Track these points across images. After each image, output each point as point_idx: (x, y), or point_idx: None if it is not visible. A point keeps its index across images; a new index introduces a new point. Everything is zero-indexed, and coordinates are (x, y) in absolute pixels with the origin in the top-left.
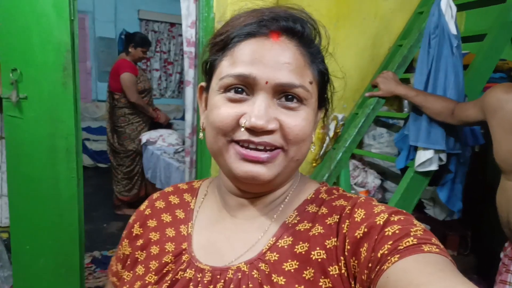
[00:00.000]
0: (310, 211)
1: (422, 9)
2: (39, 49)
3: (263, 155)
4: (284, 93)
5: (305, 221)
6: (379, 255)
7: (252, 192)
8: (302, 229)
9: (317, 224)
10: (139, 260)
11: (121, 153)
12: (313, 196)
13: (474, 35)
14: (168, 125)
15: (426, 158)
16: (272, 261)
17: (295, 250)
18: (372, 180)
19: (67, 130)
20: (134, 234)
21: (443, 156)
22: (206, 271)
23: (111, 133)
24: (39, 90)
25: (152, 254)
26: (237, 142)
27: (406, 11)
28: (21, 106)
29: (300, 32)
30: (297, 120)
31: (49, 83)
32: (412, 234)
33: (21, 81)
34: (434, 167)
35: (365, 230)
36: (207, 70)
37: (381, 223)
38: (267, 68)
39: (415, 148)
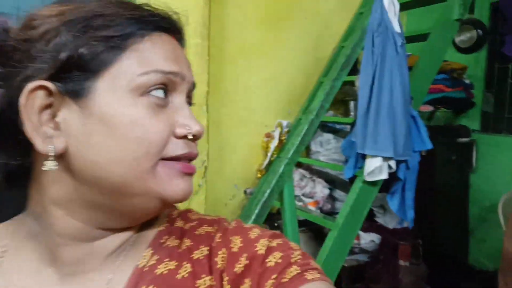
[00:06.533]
0: (170, 245)
1: (363, 9)
2: None
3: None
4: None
5: (167, 260)
6: None
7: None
8: (165, 272)
9: (184, 263)
10: None
11: None
12: (168, 224)
13: (416, 35)
14: None
15: (375, 167)
16: None
17: None
18: (321, 190)
19: None
20: None
21: (392, 163)
22: None
23: None
24: None
25: None
26: (169, 159)
27: (347, 11)
28: None
29: (182, 32)
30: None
31: None
32: (293, 261)
33: None
34: (384, 175)
35: (246, 262)
36: (73, 64)
37: (263, 252)
38: (185, 66)
39: (363, 156)
